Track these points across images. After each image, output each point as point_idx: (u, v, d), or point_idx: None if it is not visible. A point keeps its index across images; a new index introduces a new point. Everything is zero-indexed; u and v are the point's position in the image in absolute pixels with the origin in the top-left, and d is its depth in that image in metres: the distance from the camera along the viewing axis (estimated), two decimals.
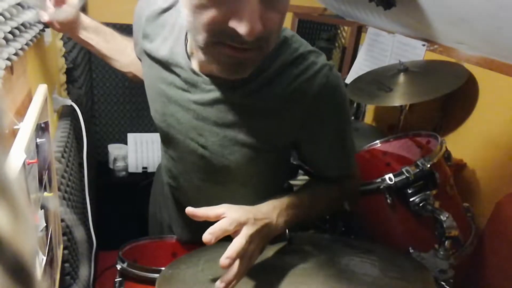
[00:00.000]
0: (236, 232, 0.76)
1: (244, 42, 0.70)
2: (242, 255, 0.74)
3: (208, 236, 0.72)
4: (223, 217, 0.76)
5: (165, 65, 0.93)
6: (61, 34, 1.46)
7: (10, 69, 0.74)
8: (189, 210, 0.77)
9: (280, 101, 0.85)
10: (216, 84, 0.87)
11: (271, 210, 0.84)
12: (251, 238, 0.76)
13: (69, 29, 1.11)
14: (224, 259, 0.71)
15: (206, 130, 0.91)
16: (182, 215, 1.23)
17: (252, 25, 0.67)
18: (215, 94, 0.87)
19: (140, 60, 1.06)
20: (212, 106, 0.89)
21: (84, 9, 2.14)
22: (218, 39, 0.72)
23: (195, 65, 0.88)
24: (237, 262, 0.73)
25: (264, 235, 0.80)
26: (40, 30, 0.97)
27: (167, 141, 1.02)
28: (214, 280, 0.78)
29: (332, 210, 1.01)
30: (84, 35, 1.13)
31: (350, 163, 1.00)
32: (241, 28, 0.67)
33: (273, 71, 0.85)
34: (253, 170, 0.96)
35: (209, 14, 0.69)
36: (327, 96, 0.86)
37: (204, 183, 1.02)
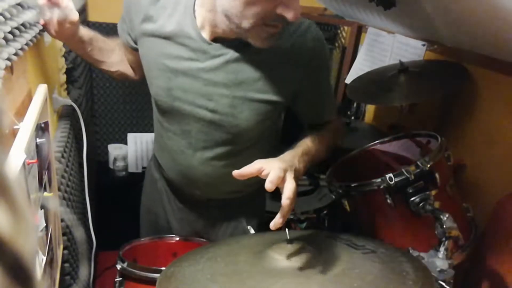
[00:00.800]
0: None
1: (285, 22, 0.91)
2: (293, 191, 0.89)
3: (269, 184, 0.86)
4: (263, 170, 0.88)
5: (172, 38, 1.01)
6: None
7: (10, 69, 0.73)
8: (235, 172, 0.89)
9: (281, 54, 1.00)
10: (225, 47, 0.99)
11: (292, 157, 0.97)
12: (295, 180, 0.90)
13: (65, 38, 1.12)
14: (286, 200, 0.87)
15: (215, 94, 1.02)
16: (179, 207, 1.23)
17: (297, 11, 0.88)
18: (225, 57, 1.00)
19: (132, 46, 1.14)
20: (222, 70, 1.00)
21: (84, 9, 2.14)
22: (263, 22, 0.90)
23: (205, 35, 1.00)
24: (289, 201, 0.88)
25: (295, 176, 0.93)
26: (40, 31, 0.97)
27: (171, 116, 1.08)
28: (214, 279, 0.78)
29: (332, 147, 1.17)
30: (78, 45, 1.15)
31: (335, 106, 1.21)
32: (289, 14, 0.88)
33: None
34: (261, 127, 1.08)
35: (261, 6, 0.88)
36: (319, 48, 1.05)
37: (208, 151, 1.09)
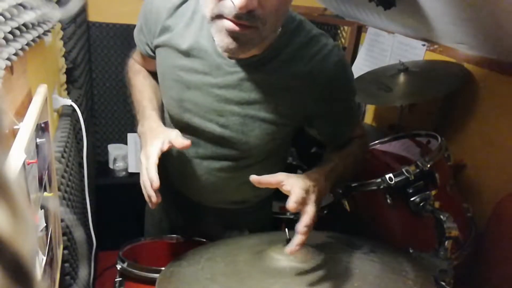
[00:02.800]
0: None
1: (239, 17, 0.80)
2: (313, 218, 0.86)
3: (293, 204, 0.83)
4: (283, 184, 0.86)
5: (187, 51, 0.98)
6: (61, 34, 1.46)
7: (10, 69, 0.74)
8: (253, 177, 0.86)
9: (299, 78, 0.96)
10: (239, 65, 0.95)
11: (318, 176, 0.93)
12: (316, 203, 0.87)
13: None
14: (303, 228, 0.83)
15: (227, 110, 0.99)
16: (183, 215, 1.23)
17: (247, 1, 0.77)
18: (238, 75, 0.96)
19: (151, 56, 1.10)
20: (235, 87, 0.97)
21: (84, 9, 2.14)
22: (218, 11, 0.82)
23: (220, 48, 0.94)
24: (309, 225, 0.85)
25: (318, 198, 0.90)
26: (42, 34, 0.97)
27: (180, 127, 1.05)
28: (213, 278, 0.78)
29: (358, 164, 1.12)
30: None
31: (359, 122, 1.15)
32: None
33: (292, 51, 0.96)
34: (270, 145, 1.05)
35: None
36: (341, 72, 1.00)
37: (215, 162, 1.07)
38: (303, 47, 0.96)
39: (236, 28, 0.82)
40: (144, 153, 0.96)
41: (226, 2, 0.80)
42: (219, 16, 0.83)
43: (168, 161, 1.18)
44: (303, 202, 0.85)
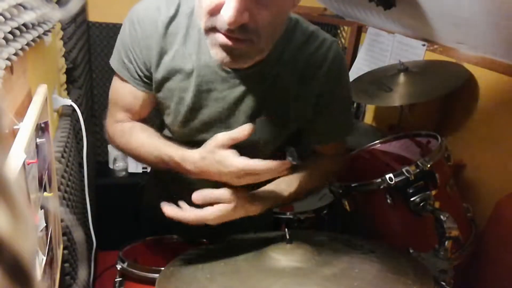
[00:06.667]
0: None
1: (231, 31, 0.77)
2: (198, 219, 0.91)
3: (197, 196, 0.90)
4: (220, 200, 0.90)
5: (191, 72, 0.93)
6: (61, 34, 1.46)
7: (10, 69, 0.74)
8: (195, 197, 0.91)
9: (302, 77, 0.96)
10: (244, 75, 0.93)
11: (252, 200, 0.95)
12: (229, 214, 0.91)
13: None
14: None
15: (235, 122, 0.97)
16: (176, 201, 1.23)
17: (235, 13, 0.74)
18: (244, 86, 0.94)
19: (142, 88, 0.99)
20: (242, 99, 0.95)
21: (84, 9, 2.14)
22: (212, 24, 0.79)
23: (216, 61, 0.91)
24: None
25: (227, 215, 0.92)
26: (42, 34, 0.97)
27: (188, 144, 0.98)
28: (213, 278, 0.78)
29: (324, 184, 1.16)
30: None
31: (352, 126, 1.12)
32: (226, 14, 0.74)
33: (292, 51, 0.95)
34: (277, 144, 1.04)
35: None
36: (339, 67, 0.99)
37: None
38: (303, 45, 0.96)
39: (229, 42, 0.79)
40: (224, 174, 0.88)
41: (219, 16, 0.78)
42: (213, 29, 0.80)
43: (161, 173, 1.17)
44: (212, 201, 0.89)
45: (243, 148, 1.02)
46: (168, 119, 1.03)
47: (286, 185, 1.03)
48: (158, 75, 0.95)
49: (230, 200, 0.90)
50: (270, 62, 0.93)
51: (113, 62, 0.99)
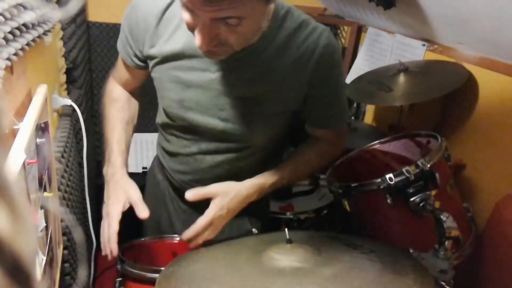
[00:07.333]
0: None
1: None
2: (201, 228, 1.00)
3: (189, 195, 1.00)
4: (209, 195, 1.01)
5: (182, 52, 0.99)
6: (61, 34, 1.46)
7: (10, 69, 0.74)
8: (188, 195, 0.99)
9: (293, 64, 0.97)
10: (236, 58, 0.94)
11: (246, 192, 1.04)
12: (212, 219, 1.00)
13: None
14: (185, 236, 0.99)
15: (228, 104, 1.00)
16: (183, 209, 1.23)
17: (203, 43, 0.81)
18: (236, 68, 0.97)
19: (139, 66, 1.11)
20: (234, 81, 0.98)
21: (84, 9, 2.14)
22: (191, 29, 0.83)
23: None
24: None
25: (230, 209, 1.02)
26: (42, 34, 0.96)
27: (182, 126, 1.08)
28: (213, 278, 0.78)
29: (314, 171, 1.21)
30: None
31: (346, 114, 1.15)
32: (196, 40, 0.81)
33: (283, 37, 0.96)
34: (271, 132, 1.08)
35: (183, 14, 0.82)
36: (331, 54, 0.99)
37: (219, 156, 1.10)
38: (294, 32, 0.97)
39: (206, 49, 0.84)
40: (105, 208, 1.06)
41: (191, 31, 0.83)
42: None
43: (169, 160, 1.18)
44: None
45: (233, 143, 1.07)
46: (164, 100, 1.09)
47: (276, 169, 1.09)
48: (152, 55, 1.03)
49: (221, 192, 1.00)
50: (261, 46, 0.95)
51: (118, 41, 1.13)
